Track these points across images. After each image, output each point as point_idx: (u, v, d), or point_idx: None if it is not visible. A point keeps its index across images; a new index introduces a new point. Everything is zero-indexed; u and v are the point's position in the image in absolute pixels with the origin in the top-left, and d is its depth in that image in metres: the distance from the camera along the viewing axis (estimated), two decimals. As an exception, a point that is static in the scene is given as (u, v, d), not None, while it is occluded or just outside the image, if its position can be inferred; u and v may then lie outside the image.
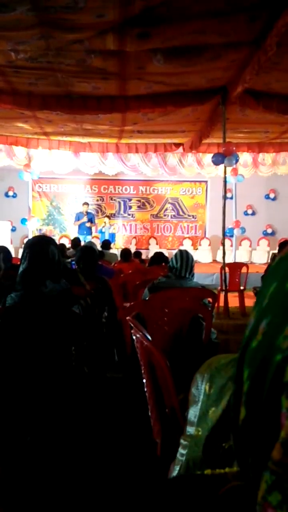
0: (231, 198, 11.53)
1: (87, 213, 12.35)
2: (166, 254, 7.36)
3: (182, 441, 0.73)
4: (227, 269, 7.46)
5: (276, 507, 0.36)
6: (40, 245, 2.26)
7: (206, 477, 0.50)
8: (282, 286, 0.41)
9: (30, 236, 11.59)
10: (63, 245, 9.51)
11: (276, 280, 0.42)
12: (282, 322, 0.39)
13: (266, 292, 0.43)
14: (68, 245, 10.68)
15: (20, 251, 13.06)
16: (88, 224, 12.17)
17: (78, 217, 12.42)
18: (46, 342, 2.16)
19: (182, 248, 10.00)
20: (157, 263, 6.51)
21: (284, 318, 0.39)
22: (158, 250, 8.53)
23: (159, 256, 6.82)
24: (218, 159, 7.92)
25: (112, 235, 13.77)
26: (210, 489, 0.46)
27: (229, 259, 9.29)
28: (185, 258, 3.21)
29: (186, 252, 3.28)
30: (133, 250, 10.64)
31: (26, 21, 4.44)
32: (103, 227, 13.76)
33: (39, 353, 2.14)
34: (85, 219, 12.17)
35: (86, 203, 12.79)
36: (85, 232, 12.07)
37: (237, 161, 8.27)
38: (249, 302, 7.08)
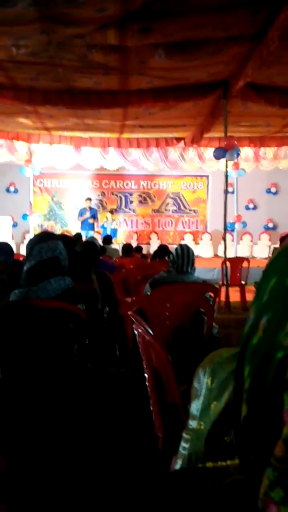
0: (233, 192, 11.50)
1: (90, 208, 12.31)
2: (168, 249, 7.35)
3: (184, 435, 0.74)
4: (228, 263, 7.45)
5: (278, 503, 0.36)
6: (48, 243, 2.26)
7: (208, 470, 0.50)
8: (282, 281, 0.41)
9: (32, 232, 11.59)
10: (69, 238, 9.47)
11: (275, 275, 0.42)
12: (284, 319, 0.39)
13: (265, 288, 0.43)
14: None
15: (22, 246, 13.11)
16: (91, 220, 12.14)
17: (81, 213, 12.39)
18: (48, 339, 2.17)
19: (183, 242, 10.00)
20: (161, 256, 6.51)
21: (285, 315, 0.39)
22: (162, 244, 8.53)
23: (162, 249, 6.83)
24: (219, 153, 7.90)
25: (114, 230, 13.75)
26: (212, 482, 0.46)
27: (230, 254, 9.28)
28: (186, 252, 3.21)
29: (187, 247, 3.28)
30: (134, 245, 10.64)
31: (27, 16, 4.43)
32: (105, 222, 13.73)
33: (41, 349, 2.15)
34: (88, 214, 12.13)
35: (89, 199, 12.75)
36: (87, 228, 12.06)
37: (238, 155, 8.26)
38: (251, 296, 7.06)
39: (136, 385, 3.00)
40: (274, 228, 14.74)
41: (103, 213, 14.43)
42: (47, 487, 2.01)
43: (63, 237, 3.68)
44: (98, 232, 13.06)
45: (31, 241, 2.32)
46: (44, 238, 2.30)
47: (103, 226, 13.66)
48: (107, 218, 13.91)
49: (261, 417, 0.40)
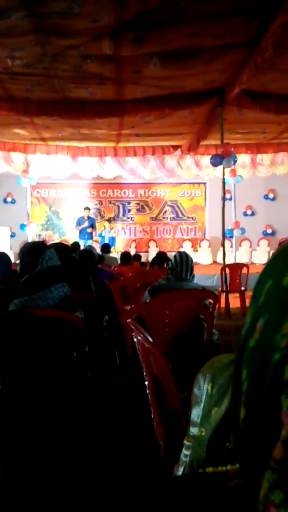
0: (230, 199, 11.53)
1: (89, 218, 12.34)
2: (167, 256, 7.34)
3: (185, 442, 0.73)
4: (227, 270, 7.46)
5: (278, 506, 0.36)
6: (48, 252, 2.27)
7: (209, 475, 0.50)
8: (278, 283, 0.41)
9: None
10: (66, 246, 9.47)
11: (271, 277, 0.42)
12: (280, 320, 0.38)
13: (261, 290, 0.43)
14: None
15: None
16: (89, 230, 12.16)
17: (79, 222, 12.41)
18: (47, 348, 2.16)
19: (182, 250, 9.99)
20: (160, 263, 6.50)
21: (282, 316, 0.38)
22: (160, 251, 8.52)
23: (161, 256, 6.82)
24: (216, 160, 7.93)
25: (112, 239, 13.77)
26: (212, 487, 0.46)
27: (229, 260, 9.29)
28: (184, 259, 3.21)
29: (185, 254, 3.28)
30: (132, 253, 10.65)
31: (21, 28, 4.46)
32: (103, 231, 13.75)
33: (40, 358, 2.14)
34: (86, 224, 12.15)
35: (87, 208, 12.78)
36: (86, 237, 12.07)
37: (235, 162, 8.28)
38: (250, 302, 7.05)
39: (136, 393, 2.99)
40: (273, 234, 14.76)
41: (101, 222, 14.46)
42: (48, 495, 1.99)
43: (60, 245, 3.69)
44: (96, 241, 13.07)
45: (26, 251, 2.32)
46: (41, 247, 2.31)
47: (100, 235, 13.68)
48: (104, 227, 13.94)
49: (260, 420, 0.40)
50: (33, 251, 2.28)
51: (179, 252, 3.30)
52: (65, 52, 5.11)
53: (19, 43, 4.86)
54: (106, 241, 12.85)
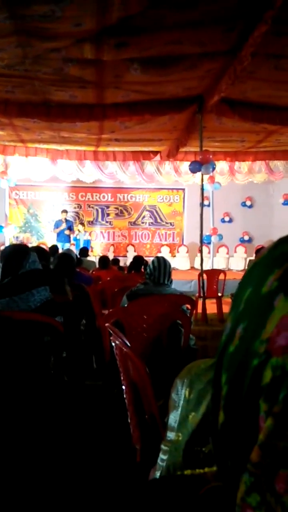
0: (208, 205, 11.62)
1: (66, 220, 12.31)
2: (145, 261, 7.35)
3: (162, 446, 0.73)
4: (204, 276, 7.51)
5: (255, 508, 0.37)
6: (31, 255, 2.26)
7: (186, 477, 0.50)
8: (257, 290, 0.42)
9: (7, 244, 11.43)
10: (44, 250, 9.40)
11: (251, 285, 0.43)
12: (258, 327, 0.39)
13: (242, 297, 0.44)
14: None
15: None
16: (67, 232, 12.13)
17: (57, 225, 12.37)
18: (24, 351, 2.14)
19: (160, 255, 10.00)
20: (137, 267, 6.51)
21: (260, 323, 0.39)
22: (137, 255, 8.53)
23: (138, 260, 6.83)
24: (195, 167, 7.99)
25: (87, 242, 13.72)
26: (190, 489, 0.47)
27: (206, 266, 9.35)
28: (162, 264, 3.23)
29: (164, 259, 3.29)
30: (111, 257, 10.62)
31: (3, 29, 4.43)
32: (78, 234, 13.70)
33: (17, 362, 2.12)
34: (64, 226, 12.12)
35: (65, 211, 12.75)
36: (64, 240, 12.03)
37: (213, 169, 8.36)
38: (227, 308, 7.08)
39: (113, 398, 2.99)
40: (250, 240, 14.93)
41: (76, 226, 14.42)
42: (24, 500, 1.97)
43: (39, 249, 3.68)
44: (72, 245, 13.04)
45: (9, 253, 2.30)
46: (25, 250, 2.30)
47: (76, 239, 13.62)
48: (79, 230, 13.89)
49: (238, 423, 0.40)
50: (18, 254, 2.27)
51: (157, 257, 3.32)
52: (47, 54, 5.09)
53: (0, 44, 4.82)
54: (81, 244, 12.81)
